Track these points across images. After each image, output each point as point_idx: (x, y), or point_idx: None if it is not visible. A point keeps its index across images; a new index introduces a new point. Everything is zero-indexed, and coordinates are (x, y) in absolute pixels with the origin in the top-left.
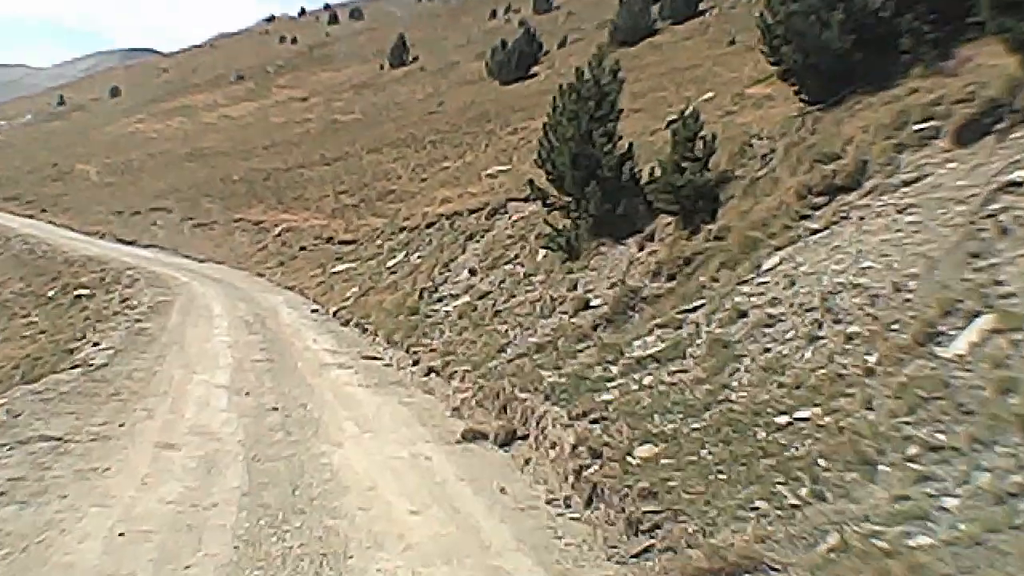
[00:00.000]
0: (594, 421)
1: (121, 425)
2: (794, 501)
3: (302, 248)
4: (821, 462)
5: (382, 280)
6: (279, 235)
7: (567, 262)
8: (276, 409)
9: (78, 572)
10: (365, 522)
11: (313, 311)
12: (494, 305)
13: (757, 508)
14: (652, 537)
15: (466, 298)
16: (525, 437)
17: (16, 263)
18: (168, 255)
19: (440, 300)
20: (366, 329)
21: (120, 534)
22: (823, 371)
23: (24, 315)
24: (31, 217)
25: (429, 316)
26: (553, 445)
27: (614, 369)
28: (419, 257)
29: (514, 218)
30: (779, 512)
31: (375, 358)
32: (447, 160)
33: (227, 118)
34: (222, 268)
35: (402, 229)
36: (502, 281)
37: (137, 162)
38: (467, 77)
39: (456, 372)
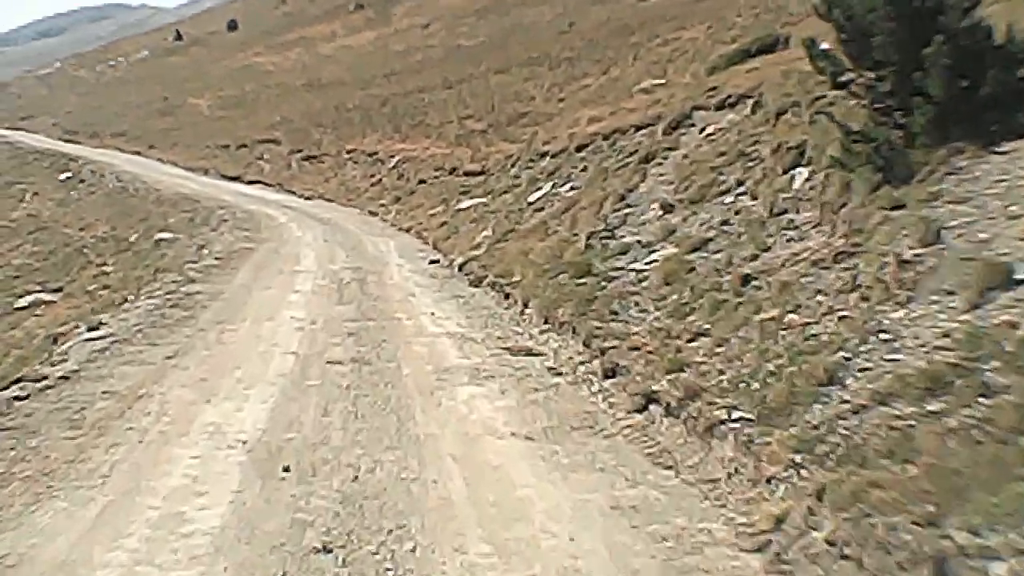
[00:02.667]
0: None
1: None
2: None
3: (421, 181)
4: None
5: (524, 220)
6: (395, 167)
7: (882, 187)
8: (326, 552)
9: None
10: None
11: (432, 263)
12: (730, 263)
13: None
14: None
15: (669, 248)
16: None
17: (106, 203)
18: (272, 191)
19: (624, 252)
20: (507, 294)
21: None
22: None
23: (100, 264)
24: (137, 153)
25: (611, 278)
26: None
27: None
28: (572, 188)
29: (708, 131)
30: None
31: (530, 352)
32: (587, 77)
33: (346, 48)
34: (329, 206)
35: (543, 155)
36: (725, 222)
37: (252, 95)
38: None
39: (720, 418)
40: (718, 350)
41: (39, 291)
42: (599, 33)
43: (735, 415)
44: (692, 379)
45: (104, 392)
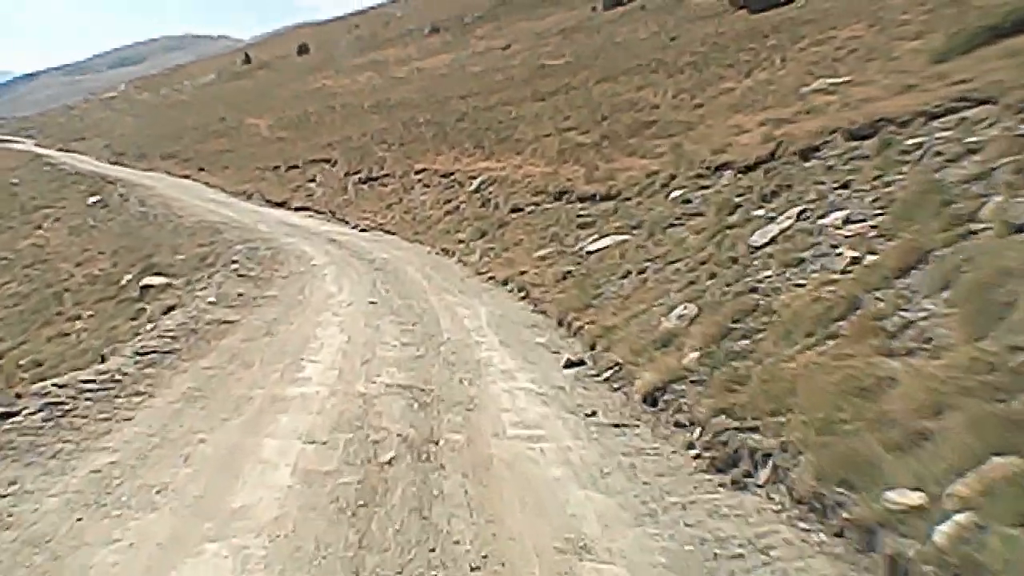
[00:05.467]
0: None
1: None
2: None
3: (515, 210)
4: None
5: (772, 284)
6: (477, 191)
7: None
8: None
9: None
10: None
11: (573, 366)
12: None
13: None
14: None
15: None
16: None
17: (121, 232)
18: (319, 221)
19: None
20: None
21: None
22: None
23: (70, 317)
24: (186, 176)
25: None
26: None
27: None
28: (861, 221)
29: None
30: None
31: None
32: (723, 82)
33: (420, 71)
34: (389, 241)
35: (717, 169)
36: None
37: (315, 116)
38: (699, 12)
39: None
40: None
41: None
42: (725, 38)
43: None
44: None
45: None
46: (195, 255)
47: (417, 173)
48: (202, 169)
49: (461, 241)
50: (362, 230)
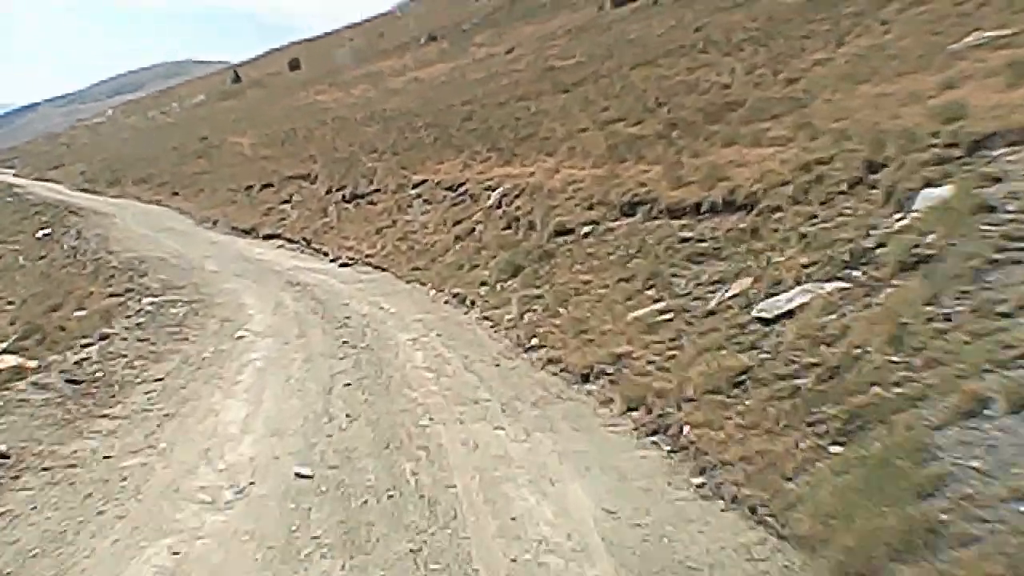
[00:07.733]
0: None
1: None
2: None
3: (561, 232)
4: None
5: None
6: (499, 206)
7: None
8: None
9: None
10: None
11: None
12: None
13: None
14: None
15: None
16: None
17: (42, 273)
18: (290, 252)
19: None
20: None
21: None
22: None
23: None
24: (157, 202)
25: None
26: None
27: None
28: None
29: None
30: None
31: None
32: (810, 53)
33: (417, 81)
34: (377, 282)
35: (981, 143)
36: None
37: (303, 131)
38: (718, 5)
39: None
40: None
41: None
42: (778, 13)
43: None
44: None
45: None
46: (99, 310)
47: (415, 186)
48: (176, 193)
49: (484, 283)
50: (342, 264)
